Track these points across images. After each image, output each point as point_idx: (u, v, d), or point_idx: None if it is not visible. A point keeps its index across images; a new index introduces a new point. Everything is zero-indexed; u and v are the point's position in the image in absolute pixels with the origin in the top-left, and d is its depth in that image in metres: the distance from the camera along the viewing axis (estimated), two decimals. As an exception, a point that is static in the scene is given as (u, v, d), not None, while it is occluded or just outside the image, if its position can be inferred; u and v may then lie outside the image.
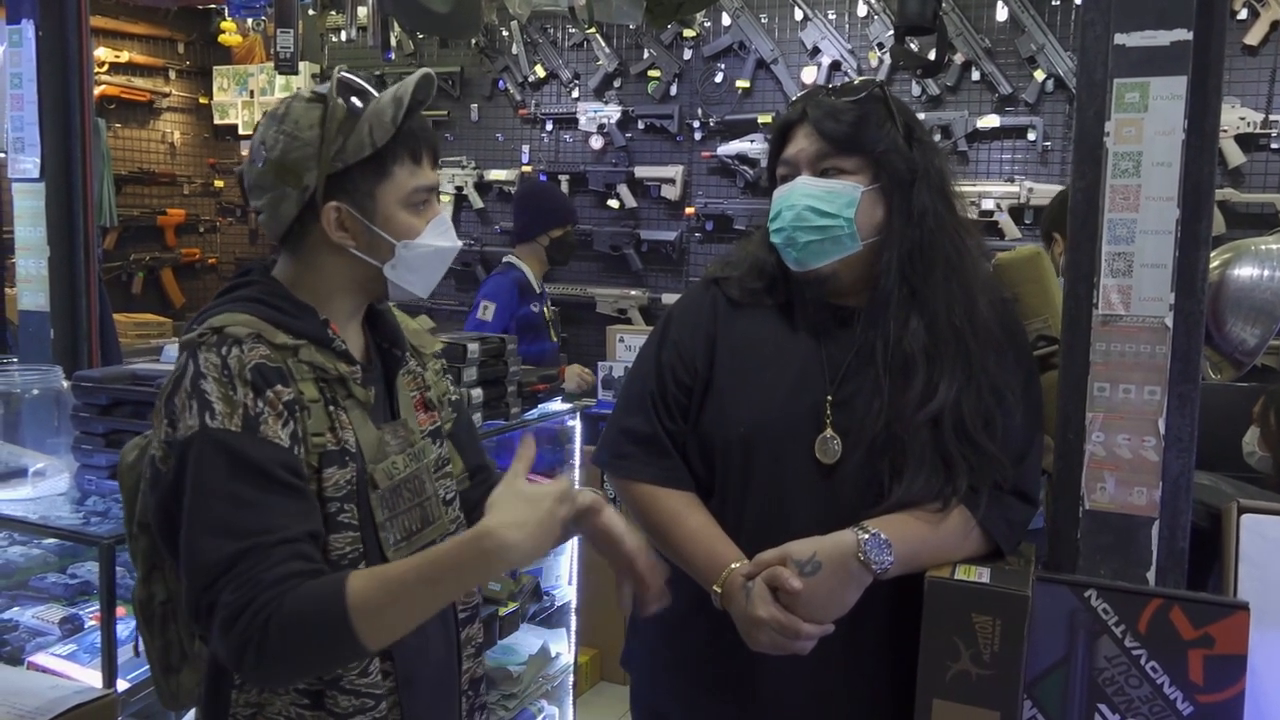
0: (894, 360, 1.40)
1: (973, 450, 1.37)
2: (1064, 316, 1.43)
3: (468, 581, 1.20)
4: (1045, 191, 3.96)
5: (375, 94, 1.29)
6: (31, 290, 2.58)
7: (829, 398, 1.42)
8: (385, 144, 1.25)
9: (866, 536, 1.32)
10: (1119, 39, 1.34)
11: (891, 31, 4.13)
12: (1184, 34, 1.31)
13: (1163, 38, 1.32)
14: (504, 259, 3.86)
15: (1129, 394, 1.36)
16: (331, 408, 1.27)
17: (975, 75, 4.08)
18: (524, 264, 3.75)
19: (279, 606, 1.08)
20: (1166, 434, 1.35)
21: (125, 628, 1.81)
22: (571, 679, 3.12)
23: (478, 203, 5.00)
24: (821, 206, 1.41)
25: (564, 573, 3.13)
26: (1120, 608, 1.30)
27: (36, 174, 2.54)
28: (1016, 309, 1.56)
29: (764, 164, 4.36)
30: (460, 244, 1.42)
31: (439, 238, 1.34)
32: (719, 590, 1.39)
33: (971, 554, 1.39)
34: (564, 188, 4.81)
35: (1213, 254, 1.74)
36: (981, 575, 1.32)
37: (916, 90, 4.19)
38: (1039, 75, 3.97)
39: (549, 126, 4.88)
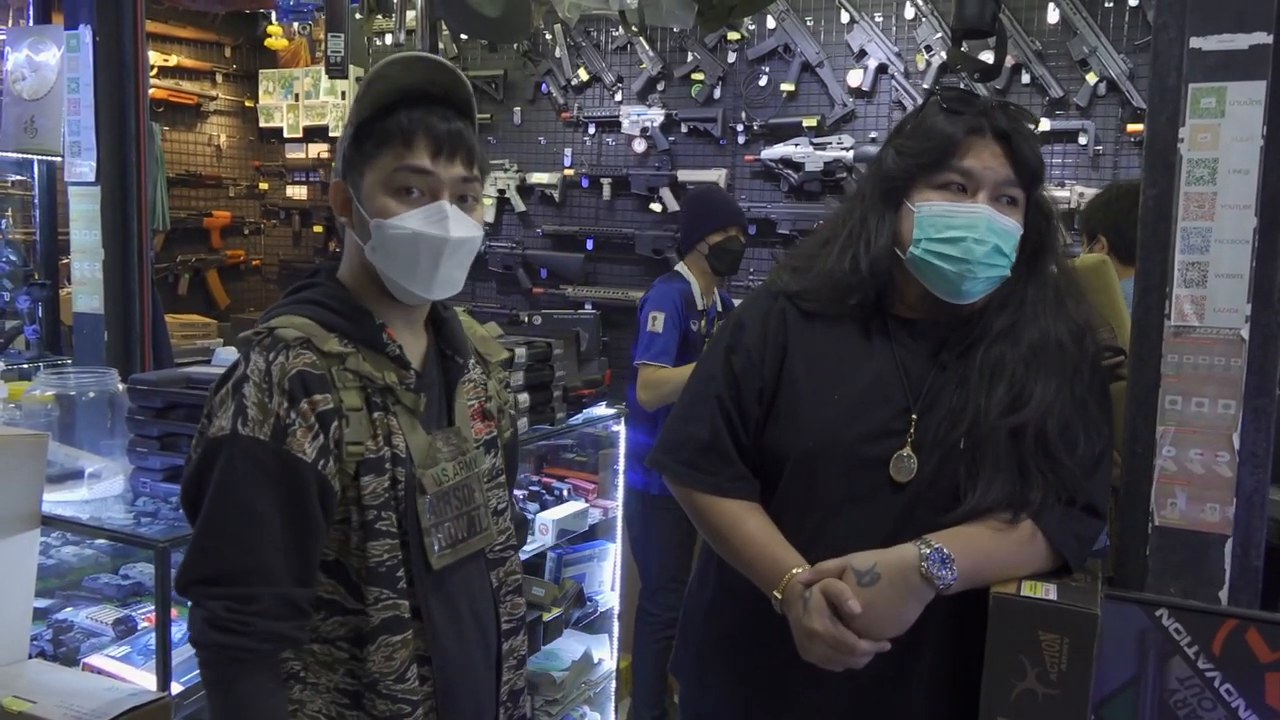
0: (983, 365, 1.37)
1: (1050, 464, 1.34)
2: (1134, 327, 1.40)
3: None
4: (1096, 197, 3.89)
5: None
6: (86, 293, 2.62)
7: (913, 416, 1.39)
8: (368, 121, 1.27)
9: (929, 550, 1.30)
10: (1195, 43, 1.30)
11: (939, 34, 4.10)
12: (1264, 37, 1.27)
13: (1241, 41, 1.28)
14: (674, 267, 3.57)
15: (1202, 407, 1.33)
16: (377, 414, 1.28)
17: (1025, 78, 4.02)
18: (690, 275, 3.44)
19: (247, 667, 1.20)
20: (1241, 449, 1.32)
21: (178, 630, 1.81)
22: (613, 685, 3.11)
23: (520, 205, 5.00)
24: (1004, 248, 1.37)
25: (606, 579, 3.11)
26: (1193, 628, 1.27)
27: (92, 178, 2.58)
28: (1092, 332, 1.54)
29: (808, 167, 4.35)
30: (457, 236, 1.27)
31: (422, 222, 1.25)
32: (779, 596, 1.36)
33: (1037, 569, 1.35)
34: (606, 191, 4.80)
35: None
36: (1048, 592, 1.29)
37: (964, 93, 4.12)
38: (1091, 78, 3.89)
39: (591, 130, 4.87)
